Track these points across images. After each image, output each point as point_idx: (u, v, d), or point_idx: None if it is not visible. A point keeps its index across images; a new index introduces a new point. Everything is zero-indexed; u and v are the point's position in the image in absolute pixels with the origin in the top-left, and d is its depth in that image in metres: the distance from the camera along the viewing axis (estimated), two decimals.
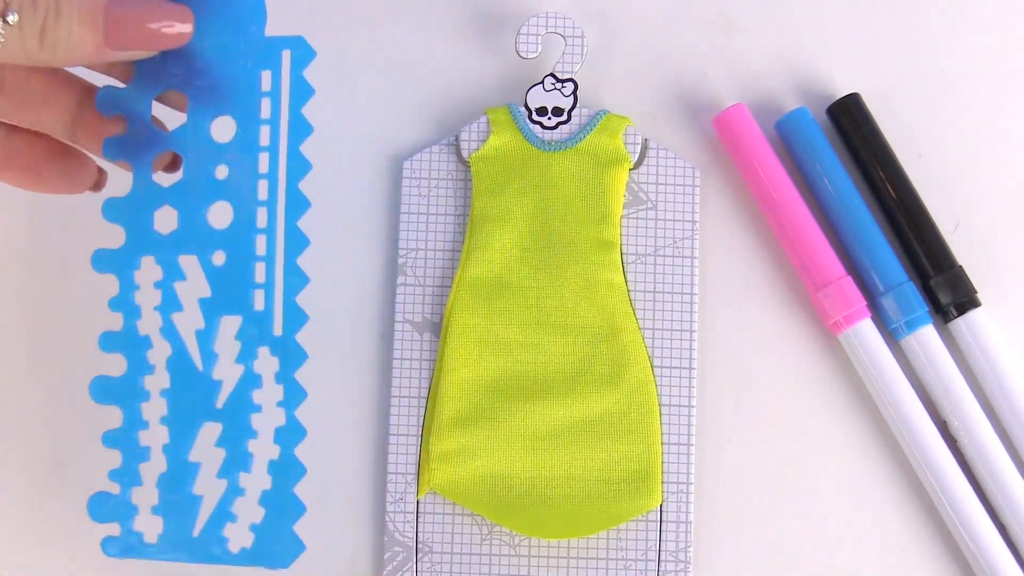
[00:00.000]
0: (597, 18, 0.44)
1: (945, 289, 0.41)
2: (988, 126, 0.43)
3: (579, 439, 0.40)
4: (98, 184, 0.37)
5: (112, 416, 0.34)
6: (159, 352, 0.34)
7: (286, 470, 0.33)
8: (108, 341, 0.34)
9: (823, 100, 0.43)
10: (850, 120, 0.42)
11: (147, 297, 0.34)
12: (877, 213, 0.42)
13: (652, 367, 0.41)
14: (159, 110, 0.34)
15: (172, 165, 0.34)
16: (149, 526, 0.34)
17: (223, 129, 0.33)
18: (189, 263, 0.33)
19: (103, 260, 0.34)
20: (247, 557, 0.34)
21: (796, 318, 0.42)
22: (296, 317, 0.33)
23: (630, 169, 0.42)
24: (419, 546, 0.40)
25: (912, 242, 0.42)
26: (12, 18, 0.28)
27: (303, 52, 0.32)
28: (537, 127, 0.42)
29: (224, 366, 0.34)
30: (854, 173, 0.43)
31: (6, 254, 0.42)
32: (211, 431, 0.34)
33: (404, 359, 0.41)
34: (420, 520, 0.40)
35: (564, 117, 0.42)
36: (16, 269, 0.42)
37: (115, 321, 0.34)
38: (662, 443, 0.40)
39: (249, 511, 0.34)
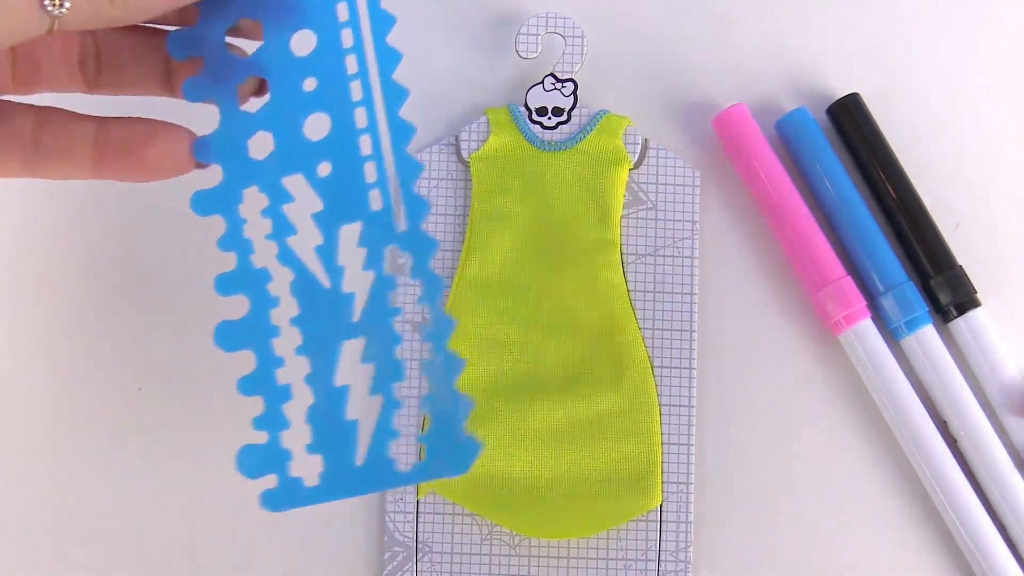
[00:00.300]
0: (597, 18, 0.44)
1: (945, 289, 0.41)
2: (988, 126, 0.43)
3: (579, 439, 0.40)
4: (199, 164, 0.34)
5: (245, 360, 0.32)
6: (281, 281, 0.32)
7: (442, 366, 0.31)
8: (225, 283, 0.32)
9: (823, 100, 0.43)
10: (850, 120, 0.42)
11: (257, 228, 0.32)
12: (877, 213, 0.42)
13: (652, 367, 0.41)
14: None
15: (260, 90, 0.33)
16: (307, 468, 0.31)
17: (304, 42, 0.31)
18: (294, 182, 0.32)
19: (203, 202, 0.32)
20: (420, 472, 0.31)
21: (796, 318, 0.42)
22: (417, 207, 0.31)
23: (630, 169, 0.42)
24: (419, 546, 0.40)
25: (912, 242, 0.42)
26: None
27: None
28: (537, 127, 0.42)
29: (353, 277, 0.32)
30: (854, 173, 0.43)
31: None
32: (353, 348, 0.32)
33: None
34: (420, 520, 0.40)
35: (564, 117, 0.42)
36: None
37: (228, 261, 0.32)
38: (662, 443, 0.40)
39: (412, 422, 0.31)
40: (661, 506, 0.40)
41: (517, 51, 0.42)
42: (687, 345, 0.41)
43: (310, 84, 0.31)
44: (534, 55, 0.42)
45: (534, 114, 0.42)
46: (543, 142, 0.42)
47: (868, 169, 0.42)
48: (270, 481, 0.31)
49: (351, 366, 0.31)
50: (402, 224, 0.31)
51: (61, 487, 0.41)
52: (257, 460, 0.32)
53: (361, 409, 0.31)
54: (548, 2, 0.43)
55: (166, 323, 0.42)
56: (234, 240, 0.32)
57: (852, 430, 0.41)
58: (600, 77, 0.43)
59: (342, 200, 0.31)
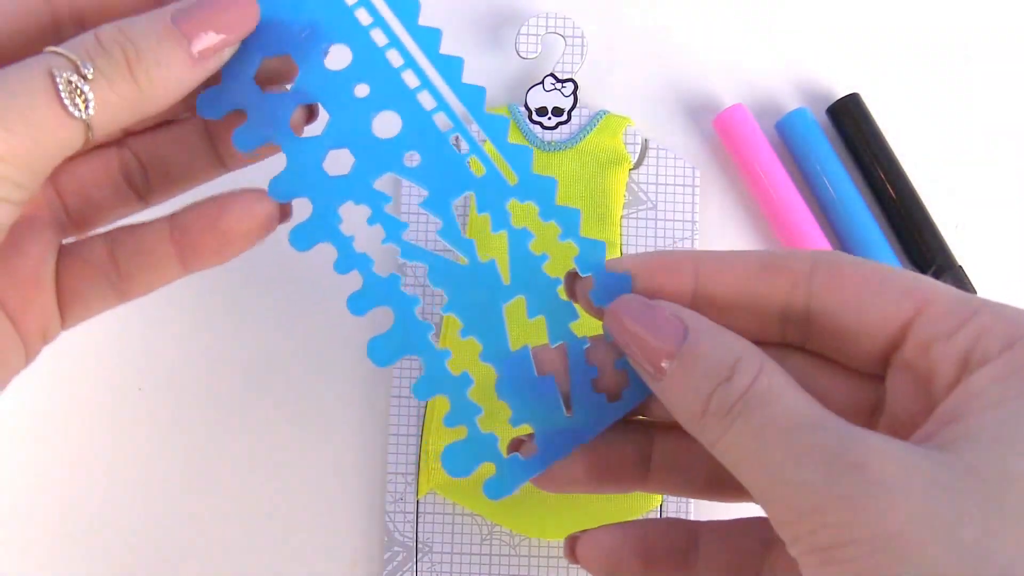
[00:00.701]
0: (597, 18, 0.44)
1: None
2: (988, 126, 0.43)
3: None
4: (284, 212, 0.32)
5: (411, 368, 0.32)
6: (416, 278, 0.31)
7: (609, 290, 0.30)
8: (358, 302, 0.31)
9: (823, 100, 0.43)
10: (850, 120, 0.42)
11: (369, 239, 0.31)
12: (877, 213, 0.42)
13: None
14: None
15: (311, 116, 0.32)
16: (521, 447, 0.31)
17: (339, 56, 0.31)
18: (387, 182, 0.31)
19: (302, 236, 0.31)
20: (633, 394, 0.30)
21: None
22: (519, 155, 0.31)
23: (630, 169, 0.42)
24: (419, 546, 0.40)
25: (912, 242, 0.42)
26: (88, 70, 0.27)
27: None
28: (537, 127, 0.42)
29: (487, 243, 0.32)
30: (854, 173, 0.43)
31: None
32: (516, 309, 0.31)
33: (404, 359, 0.41)
34: (420, 520, 0.40)
35: (564, 117, 0.42)
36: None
37: (353, 281, 0.31)
38: None
39: (606, 352, 0.30)
40: (661, 506, 0.40)
41: (517, 51, 0.42)
42: None
43: (362, 90, 0.31)
44: (534, 55, 0.42)
45: (534, 114, 0.42)
46: (543, 142, 0.42)
47: (868, 169, 0.42)
48: (487, 470, 0.31)
49: (521, 326, 0.31)
50: (511, 177, 0.31)
51: (61, 487, 0.41)
52: (464, 456, 0.31)
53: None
54: (548, 2, 0.43)
55: (167, 323, 0.42)
56: (350, 259, 0.31)
57: None
58: (600, 77, 0.43)
59: (444, 179, 0.31)
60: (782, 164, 0.42)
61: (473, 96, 0.31)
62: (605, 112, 0.42)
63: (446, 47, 0.31)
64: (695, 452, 0.28)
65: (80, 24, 0.30)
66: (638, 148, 0.42)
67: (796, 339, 0.29)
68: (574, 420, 0.30)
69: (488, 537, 0.40)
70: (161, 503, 0.41)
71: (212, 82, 0.31)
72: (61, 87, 0.26)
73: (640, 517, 0.40)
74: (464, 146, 0.31)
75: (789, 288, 0.28)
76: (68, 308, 0.31)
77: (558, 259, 0.31)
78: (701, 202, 0.42)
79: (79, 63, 0.26)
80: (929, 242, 0.41)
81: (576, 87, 0.42)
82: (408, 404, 0.40)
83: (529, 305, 0.31)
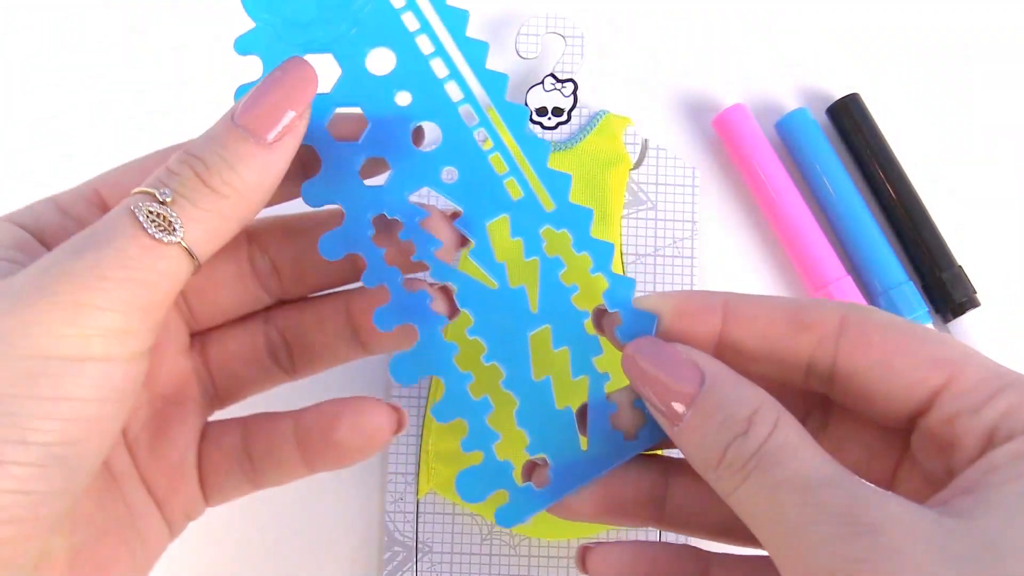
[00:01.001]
0: (597, 18, 0.44)
1: (945, 289, 0.41)
2: (988, 126, 0.43)
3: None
4: (400, 423, 0.31)
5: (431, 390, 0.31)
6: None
7: (635, 327, 0.30)
8: (384, 317, 0.30)
9: (823, 100, 0.43)
10: (850, 120, 0.42)
11: (399, 254, 0.30)
12: (877, 213, 0.42)
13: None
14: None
15: (464, 242, 0.31)
16: (534, 472, 0.30)
17: (382, 60, 0.30)
18: (421, 196, 0.31)
19: (333, 245, 0.30)
20: (649, 435, 0.30)
21: None
22: (557, 181, 0.31)
23: (630, 169, 0.42)
24: (419, 546, 0.40)
25: (912, 242, 0.42)
26: (165, 195, 0.26)
27: None
28: (537, 127, 0.42)
29: (517, 269, 0.31)
30: (854, 173, 0.43)
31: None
32: (541, 339, 0.31)
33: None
34: (420, 520, 0.40)
35: (564, 117, 0.42)
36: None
37: (380, 295, 0.31)
38: None
39: (627, 391, 0.30)
40: None
41: (517, 51, 0.42)
42: None
43: (404, 98, 0.30)
44: (534, 55, 0.42)
45: (534, 114, 0.42)
46: None
47: (868, 169, 0.42)
48: (500, 497, 0.31)
49: (544, 356, 0.31)
50: (548, 203, 0.31)
51: None
52: (479, 482, 0.31)
53: (568, 394, 0.30)
54: (548, 2, 0.43)
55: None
56: (377, 271, 0.30)
57: None
58: (600, 77, 0.43)
59: (480, 199, 0.30)
60: (782, 164, 0.42)
61: (515, 115, 0.30)
62: (605, 112, 0.42)
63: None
64: (710, 496, 0.28)
65: None
66: (638, 148, 0.42)
67: (820, 388, 0.29)
68: (589, 454, 0.30)
69: (488, 537, 0.40)
70: None
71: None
72: (142, 218, 0.26)
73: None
74: (503, 166, 0.31)
75: (816, 344, 0.28)
76: (209, 493, 0.32)
77: (587, 292, 0.31)
78: (701, 202, 0.42)
79: (155, 192, 0.26)
80: (929, 242, 0.41)
81: (576, 87, 0.42)
82: (408, 404, 0.40)
83: (555, 336, 0.31)
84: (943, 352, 0.27)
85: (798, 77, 0.44)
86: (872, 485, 0.25)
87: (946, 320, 0.41)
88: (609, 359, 0.31)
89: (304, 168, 0.30)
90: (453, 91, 0.30)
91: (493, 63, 0.30)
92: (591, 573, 0.31)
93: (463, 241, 0.31)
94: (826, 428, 0.30)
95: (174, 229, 0.26)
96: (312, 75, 0.28)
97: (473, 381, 0.31)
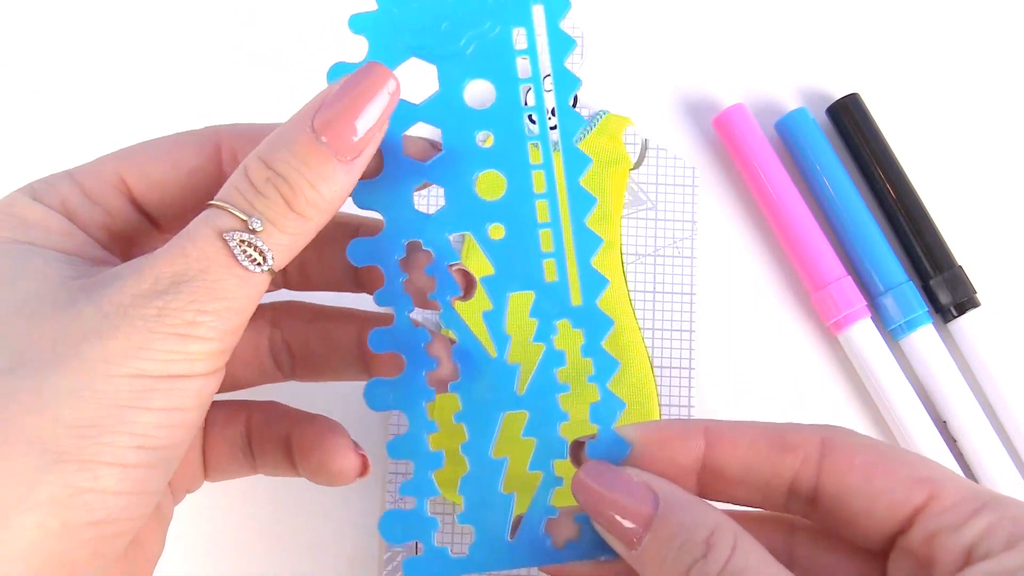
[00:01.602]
0: (597, 18, 0.44)
1: (945, 289, 0.41)
2: (988, 126, 0.43)
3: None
4: (363, 469, 0.32)
5: (395, 423, 0.31)
6: (441, 344, 0.31)
7: (608, 449, 0.30)
8: (381, 338, 0.30)
9: (823, 100, 0.43)
10: (850, 120, 0.42)
11: (418, 287, 0.30)
12: (877, 213, 0.42)
13: (651, 367, 0.41)
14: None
15: (425, 150, 0.30)
16: (455, 538, 0.31)
17: (479, 93, 0.29)
18: (462, 241, 0.30)
19: (361, 252, 0.30)
20: (575, 551, 0.30)
21: (795, 318, 0.42)
22: (595, 283, 0.30)
23: (630, 169, 0.42)
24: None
25: (912, 242, 0.42)
26: (257, 224, 0.26)
27: (557, 4, 0.29)
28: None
29: (519, 348, 0.30)
30: (854, 173, 0.43)
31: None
32: (515, 421, 0.31)
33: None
34: None
35: None
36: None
37: (383, 317, 0.31)
38: None
39: (571, 501, 0.30)
40: None
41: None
42: (687, 345, 0.41)
43: (485, 140, 0.30)
44: None
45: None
46: None
47: (868, 169, 0.42)
48: (412, 548, 0.31)
49: (511, 438, 0.31)
50: (576, 298, 0.30)
51: None
52: (402, 526, 0.31)
53: (518, 483, 0.31)
54: None
55: None
56: (393, 295, 0.30)
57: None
58: (600, 77, 0.43)
59: (515, 266, 0.30)
60: (782, 164, 0.42)
61: (583, 202, 0.30)
62: (605, 112, 0.42)
63: None
64: None
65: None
66: (638, 148, 0.42)
67: (800, 512, 0.30)
68: (512, 546, 0.30)
69: None
70: None
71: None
72: (237, 251, 0.26)
73: None
74: (550, 245, 0.30)
75: (797, 467, 0.29)
76: (210, 471, 0.33)
77: (578, 397, 0.31)
78: (701, 202, 0.42)
79: (246, 220, 0.26)
80: (929, 242, 0.41)
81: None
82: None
83: (528, 423, 0.31)
84: (923, 472, 0.28)
85: (798, 77, 0.44)
86: None
87: (946, 320, 0.41)
88: (570, 468, 0.30)
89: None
90: (535, 153, 0.30)
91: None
92: None
93: (468, 290, 0.31)
94: (804, 557, 0.31)
95: (265, 259, 0.26)
96: (397, 89, 0.28)
97: (436, 432, 0.30)
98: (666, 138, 0.43)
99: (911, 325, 0.41)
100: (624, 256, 0.41)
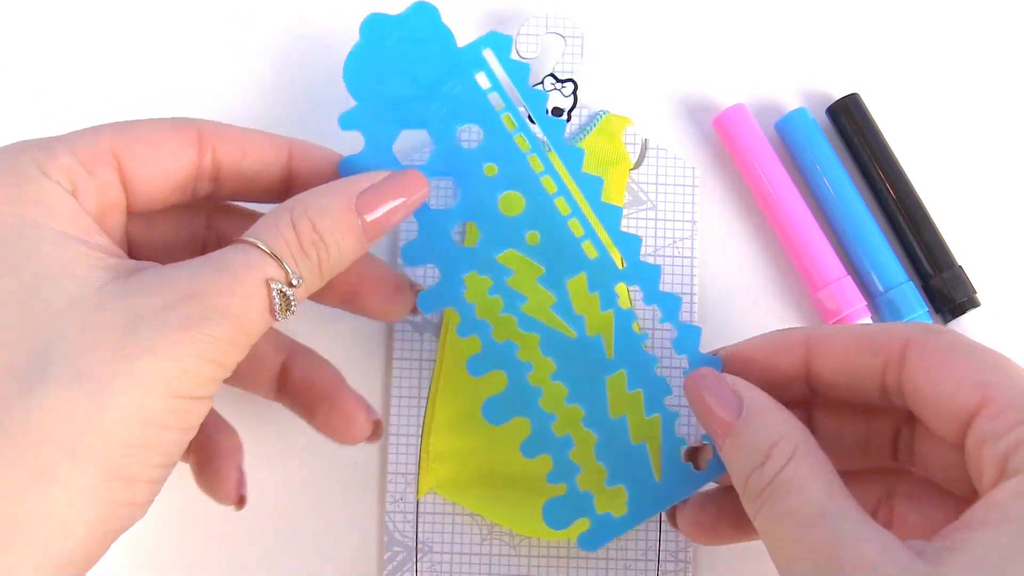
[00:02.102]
0: (597, 18, 0.44)
1: (945, 289, 0.41)
2: (988, 126, 0.43)
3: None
4: (376, 433, 0.37)
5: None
6: (528, 346, 0.34)
7: (693, 366, 0.34)
8: (476, 365, 0.34)
9: (823, 100, 0.43)
10: (850, 120, 0.42)
11: (489, 308, 0.35)
12: (877, 213, 0.42)
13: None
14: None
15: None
16: (613, 501, 0.34)
17: (470, 135, 0.36)
18: (508, 257, 0.34)
19: (430, 301, 0.35)
20: (717, 467, 0.33)
21: (795, 318, 0.42)
22: (629, 243, 0.35)
23: (630, 169, 0.42)
24: (419, 546, 0.40)
25: (912, 242, 0.42)
26: (297, 281, 0.30)
27: (501, 41, 0.34)
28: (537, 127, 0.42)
29: (594, 320, 0.35)
30: (854, 173, 0.43)
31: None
32: (617, 382, 0.35)
33: (404, 359, 0.41)
34: (420, 520, 0.40)
35: (564, 117, 0.42)
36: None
37: (471, 345, 0.34)
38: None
39: (694, 426, 0.34)
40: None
41: (517, 51, 0.42)
42: None
43: (491, 170, 0.34)
44: (534, 55, 0.42)
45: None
46: (543, 142, 0.42)
47: (868, 169, 0.42)
48: (582, 525, 0.34)
49: (620, 397, 0.34)
50: (620, 262, 0.35)
51: None
52: (564, 511, 0.34)
53: (643, 431, 0.34)
54: (548, 2, 0.43)
55: None
56: (471, 324, 0.34)
57: None
58: (600, 77, 0.43)
59: (560, 259, 0.35)
60: (782, 164, 0.42)
61: (591, 185, 0.34)
62: (605, 112, 0.42)
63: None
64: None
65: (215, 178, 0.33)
66: (638, 148, 0.42)
67: (900, 405, 0.30)
68: (662, 485, 0.34)
69: (488, 537, 0.40)
70: (159, 502, 0.41)
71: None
72: (277, 301, 0.29)
73: None
74: (581, 230, 0.35)
75: (883, 368, 0.30)
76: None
77: (657, 339, 0.38)
78: (701, 202, 0.42)
79: (291, 274, 0.29)
80: (929, 242, 0.41)
81: (576, 87, 0.42)
82: (408, 404, 0.40)
83: (629, 379, 0.35)
84: (982, 374, 0.28)
85: (798, 77, 0.44)
86: (870, 523, 0.26)
87: (946, 320, 0.41)
88: (680, 399, 0.34)
89: None
90: (535, 163, 0.34)
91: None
92: (680, 527, 0.35)
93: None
94: (899, 445, 0.32)
95: (290, 309, 0.30)
96: (426, 190, 0.32)
97: (557, 420, 0.34)
98: (666, 138, 0.43)
99: None
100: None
